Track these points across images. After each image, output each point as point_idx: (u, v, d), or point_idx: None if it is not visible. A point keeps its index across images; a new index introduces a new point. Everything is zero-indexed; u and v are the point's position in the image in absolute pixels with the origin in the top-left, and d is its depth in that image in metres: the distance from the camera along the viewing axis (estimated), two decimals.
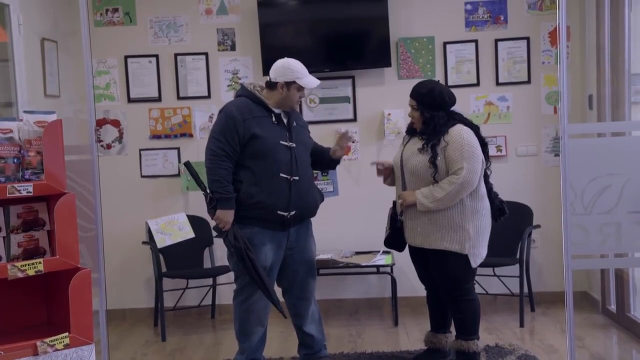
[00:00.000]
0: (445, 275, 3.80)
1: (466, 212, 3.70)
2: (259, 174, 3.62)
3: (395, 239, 3.95)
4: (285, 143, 3.66)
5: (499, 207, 3.87)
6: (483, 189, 3.79)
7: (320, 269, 4.93)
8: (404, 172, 3.84)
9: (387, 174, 4.01)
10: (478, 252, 3.77)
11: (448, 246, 3.70)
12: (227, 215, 3.60)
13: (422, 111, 3.77)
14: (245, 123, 3.60)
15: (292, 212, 3.65)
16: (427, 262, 3.86)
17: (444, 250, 3.72)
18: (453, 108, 3.85)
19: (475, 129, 3.82)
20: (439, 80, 3.93)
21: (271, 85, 3.72)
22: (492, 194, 3.87)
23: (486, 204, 3.81)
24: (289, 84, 3.68)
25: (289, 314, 3.95)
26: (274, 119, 3.68)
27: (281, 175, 3.61)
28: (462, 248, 3.70)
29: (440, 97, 3.76)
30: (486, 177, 3.85)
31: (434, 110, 3.74)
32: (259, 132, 3.60)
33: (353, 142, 5.33)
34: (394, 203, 3.98)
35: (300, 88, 3.71)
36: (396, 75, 5.37)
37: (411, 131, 3.92)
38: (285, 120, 3.73)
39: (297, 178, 3.65)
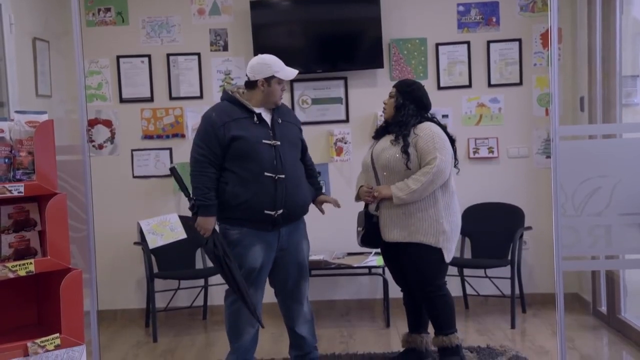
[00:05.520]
0: (417, 268, 3.84)
1: (439, 206, 3.78)
2: (243, 175, 3.59)
3: (371, 236, 3.99)
4: (268, 142, 3.62)
5: None
6: (454, 185, 3.87)
7: (312, 270, 4.92)
8: (376, 170, 3.89)
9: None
10: (451, 247, 3.85)
11: (423, 239, 3.77)
12: (207, 223, 3.59)
13: (397, 97, 3.92)
14: (225, 126, 3.59)
15: (280, 211, 3.62)
16: (401, 262, 3.91)
17: (418, 244, 3.77)
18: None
19: (443, 128, 3.93)
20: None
21: (251, 85, 3.70)
22: None
23: (456, 202, 3.89)
24: (269, 80, 3.66)
25: (282, 315, 3.94)
26: (255, 119, 3.65)
27: (265, 174, 3.58)
28: (437, 241, 3.77)
29: (419, 94, 3.93)
30: None
31: (408, 101, 3.89)
32: (240, 134, 3.58)
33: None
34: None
35: (281, 81, 3.69)
36: (388, 76, 5.38)
37: (378, 135, 4.02)
38: (269, 118, 3.70)
39: (282, 176, 3.61)
